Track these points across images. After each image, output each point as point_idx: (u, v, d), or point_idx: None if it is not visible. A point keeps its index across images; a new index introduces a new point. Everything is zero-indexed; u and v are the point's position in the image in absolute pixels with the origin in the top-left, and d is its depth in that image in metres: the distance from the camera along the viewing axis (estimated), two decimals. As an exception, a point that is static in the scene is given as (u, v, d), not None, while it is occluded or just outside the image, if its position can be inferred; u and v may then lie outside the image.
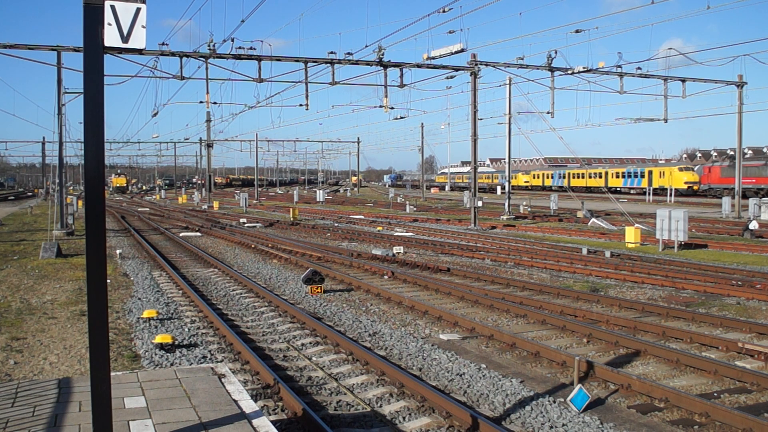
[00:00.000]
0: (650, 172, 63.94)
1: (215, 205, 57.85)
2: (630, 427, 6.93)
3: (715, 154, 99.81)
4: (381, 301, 13.96)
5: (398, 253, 21.11)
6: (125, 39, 4.05)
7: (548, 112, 34.46)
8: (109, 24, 4.00)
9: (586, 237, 28.06)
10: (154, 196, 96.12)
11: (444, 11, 22.01)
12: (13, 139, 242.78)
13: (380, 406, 7.49)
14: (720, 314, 12.06)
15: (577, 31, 27.60)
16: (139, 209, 55.70)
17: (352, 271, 18.47)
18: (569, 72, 31.15)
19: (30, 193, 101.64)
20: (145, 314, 11.77)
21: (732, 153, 67.32)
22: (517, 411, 7.35)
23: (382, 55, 28.66)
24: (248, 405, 5.16)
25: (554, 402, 7.52)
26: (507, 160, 43.36)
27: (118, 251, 21.79)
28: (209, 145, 60.38)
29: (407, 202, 56.25)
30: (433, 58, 27.16)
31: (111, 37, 4.01)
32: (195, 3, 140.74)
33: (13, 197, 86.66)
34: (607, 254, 20.58)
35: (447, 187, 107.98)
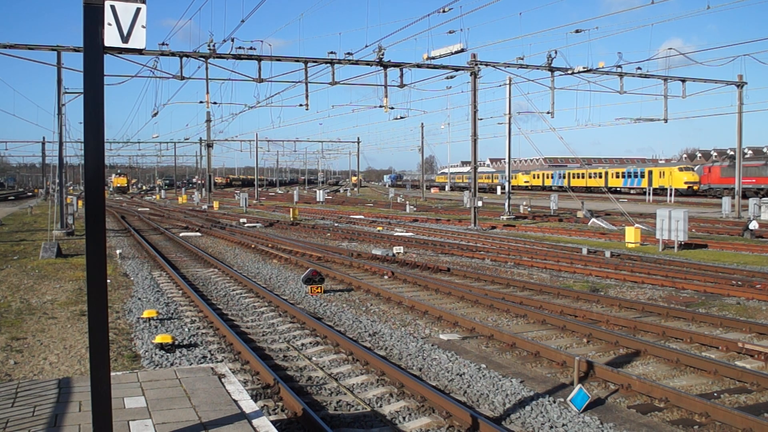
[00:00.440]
0: (650, 172, 63.95)
1: (215, 205, 57.85)
2: (630, 427, 6.93)
3: (715, 154, 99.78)
4: (381, 301, 13.96)
5: (398, 253, 21.11)
6: (125, 39, 4.05)
7: (548, 112, 34.48)
8: (109, 24, 4.00)
9: (586, 237, 28.06)
10: (154, 196, 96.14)
11: (444, 11, 22.01)
12: (13, 139, 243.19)
13: (380, 406, 7.49)
14: (720, 314, 12.06)
15: (577, 31, 27.63)
16: (139, 209, 55.70)
17: (352, 271, 18.47)
18: (569, 72, 31.15)
19: (30, 193, 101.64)
20: (145, 314, 11.76)
21: (732, 153, 67.31)
22: (517, 411, 7.35)
23: (382, 55, 28.66)
24: (248, 405, 5.16)
25: (554, 402, 7.52)
26: (507, 160, 43.36)
27: (118, 251, 21.79)
28: (209, 145, 60.39)
29: (407, 202, 56.25)
30: (433, 58, 27.16)
31: (111, 37, 4.01)
32: (195, 3, 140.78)
33: (13, 197, 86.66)
34: (607, 254, 20.58)
35: (447, 187, 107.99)
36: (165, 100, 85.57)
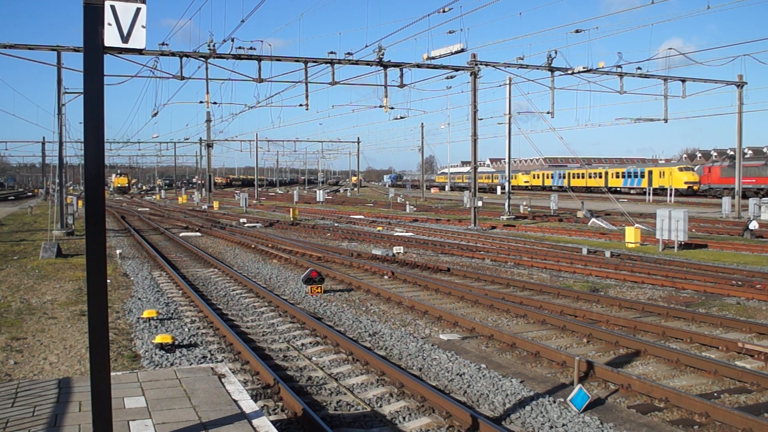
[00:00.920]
0: (650, 172, 63.95)
1: (215, 205, 57.85)
2: (630, 427, 6.93)
3: (715, 154, 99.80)
4: (381, 301, 13.96)
5: (398, 253, 21.11)
6: (125, 39, 4.05)
7: (548, 112, 34.48)
8: (109, 24, 4.00)
9: (586, 237, 28.06)
10: (154, 196, 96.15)
11: (444, 11, 22.01)
12: (13, 139, 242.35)
13: (380, 406, 7.49)
14: (720, 314, 12.06)
15: (577, 31, 27.62)
16: (139, 209, 55.70)
17: (352, 271, 18.47)
18: (569, 72, 31.15)
19: (30, 193, 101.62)
20: (145, 314, 11.76)
21: (732, 153, 67.33)
22: (517, 411, 7.35)
23: (382, 55, 28.66)
24: (248, 405, 5.16)
25: (554, 402, 7.52)
26: (507, 160, 43.37)
27: (118, 251, 21.79)
28: (209, 145, 60.39)
29: (407, 202, 56.25)
30: (433, 58, 27.15)
31: (111, 37, 4.01)
32: (195, 3, 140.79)
33: (13, 197, 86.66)
34: (607, 254, 20.58)
35: (447, 187, 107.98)
36: (165, 100, 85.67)
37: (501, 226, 33.78)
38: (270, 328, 11.46)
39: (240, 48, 27.32)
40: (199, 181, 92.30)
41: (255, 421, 4.79)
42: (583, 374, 8.40)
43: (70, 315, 12.36)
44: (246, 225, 35.73)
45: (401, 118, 40.12)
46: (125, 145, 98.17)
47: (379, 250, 21.48)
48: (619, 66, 32.21)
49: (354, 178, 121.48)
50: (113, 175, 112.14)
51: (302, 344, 10.30)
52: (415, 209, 50.30)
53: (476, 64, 32.34)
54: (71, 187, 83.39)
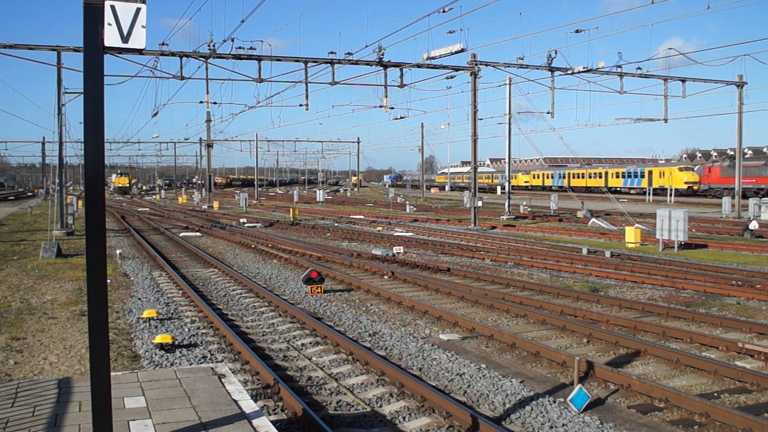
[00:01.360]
0: (650, 172, 63.94)
1: (215, 205, 57.86)
2: (630, 427, 6.93)
3: (715, 154, 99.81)
4: (381, 301, 13.96)
5: (398, 253, 21.11)
6: (125, 39, 4.05)
7: (548, 112, 34.47)
8: (109, 24, 4.00)
9: (586, 237, 28.06)
10: (154, 196, 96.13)
11: (444, 11, 22.01)
12: (13, 139, 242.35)
13: (380, 406, 7.49)
14: (720, 314, 12.06)
15: (577, 31, 27.62)
16: (139, 209, 55.70)
17: (352, 271, 18.47)
18: (569, 72, 31.15)
19: (30, 193, 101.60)
20: (145, 314, 11.76)
21: (732, 153, 67.32)
22: (517, 411, 7.35)
23: (382, 55, 28.66)
24: (248, 405, 5.16)
25: (554, 402, 7.52)
26: (507, 160, 43.37)
27: (118, 251, 21.78)
28: (209, 145, 60.38)
29: (407, 202, 56.25)
30: (433, 58, 27.16)
31: (111, 37, 4.01)
32: (195, 3, 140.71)
33: (13, 197, 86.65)
34: (607, 254, 20.58)
35: (447, 187, 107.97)
36: (165, 100, 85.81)
37: (501, 226, 33.78)
38: (270, 328, 11.46)
39: (240, 48, 27.34)
40: (199, 181, 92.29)
41: (255, 421, 4.79)
42: (583, 374, 8.40)
43: (70, 315, 12.35)
44: (246, 225, 35.72)
45: (401, 118, 40.17)
46: (125, 145, 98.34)
47: (379, 250, 21.48)
48: (619, 66, 32.23)
49: (354, 178, 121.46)
50: (113, 175, 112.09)
51: (302, 344, 10.30)
52: (415, 209, 50.30)
53: (476, 64, 32.34)
54: (71, 187, 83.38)
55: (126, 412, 4.93)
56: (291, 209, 43.74)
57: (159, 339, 9.86)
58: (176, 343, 10.04)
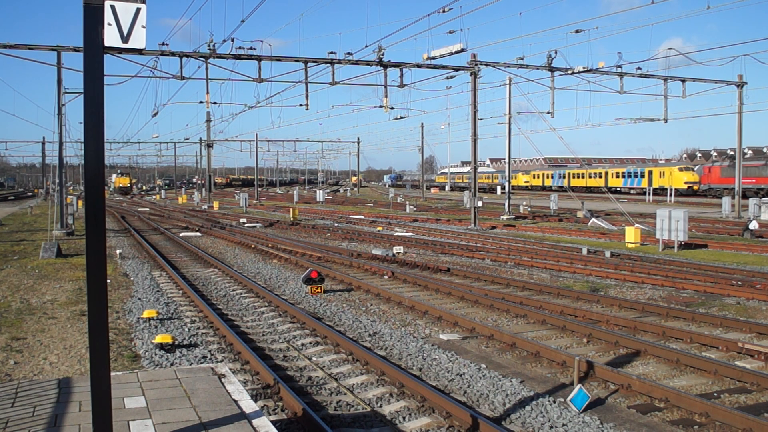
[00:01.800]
0: (650, 172, 63.94)
1: (215, 205, 57.85)
2: (630, 427, 6.93)
3: (715, 154, 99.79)
4: (381, 301, 13.96)
5: (398, 253, 21.11)
6: (125, 39, 4.05)
7: (548, 112, 34.47)
8: (109, 24, 4.00)
9: (586, 237, 28.06)
10: (154, 196, 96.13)
11: (444, 11, 22.01)
12: (13, 139, 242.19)
13: (380, 406, 7.49)
14: (720, 314, 12.06)
15: (577, 31, 27.62)
16: (139, 209, 55.70)
17: (352, 271, 18.47)
18: (569, 72, 31.14)
19: (30, 193, 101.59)
20: (145, 314, 11.76)
21: (732, 153, 67.32)
22: (517, 411, 7.35)
23: (382, 55, 28.65)
24: (248, 405, 5.16)
25: (554, 402, 7.52)
26: (507, 160, 43.36)
27: (118, 251, 21.78)
28: (209, 145, 60.39)
29: (407, 202, 56.25)
30: (433, 58, 27.15)
31: (111, 37, 4.01)
32: (195, 3, 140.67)
33: (13, 197, 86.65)
34: (607, 254, 20.58)
35: (447, 187, 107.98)
36: (165, 100, 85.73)
37: (501, 226, 33.78)
38: (270, 328, 11.45)
39: (240, 48, 27.33)
40: (199, 181, 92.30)
41: (255, 421, 4.80)
42: (583, 374, 8.40)
43: (70, 315, 12.35)
44: (246, 225, 35.72)
45: (401, 118, 40.16)
46: (125, 145, 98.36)
47: (379, 250, 21.48)
48: (619, 66, 32.22)
49: (354, 178, 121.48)
50: (113, 175, 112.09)
51: (302, 344, 10.30)
52: (415, 209, 50.30)
53: (476, 64, 32.34)
54: (71, 187, 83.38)
55: (126, 412, 4.93)
56: (291, 209, 43.73)
57: (159, 339, 9.86)
58: (176, 343, 10.04)
